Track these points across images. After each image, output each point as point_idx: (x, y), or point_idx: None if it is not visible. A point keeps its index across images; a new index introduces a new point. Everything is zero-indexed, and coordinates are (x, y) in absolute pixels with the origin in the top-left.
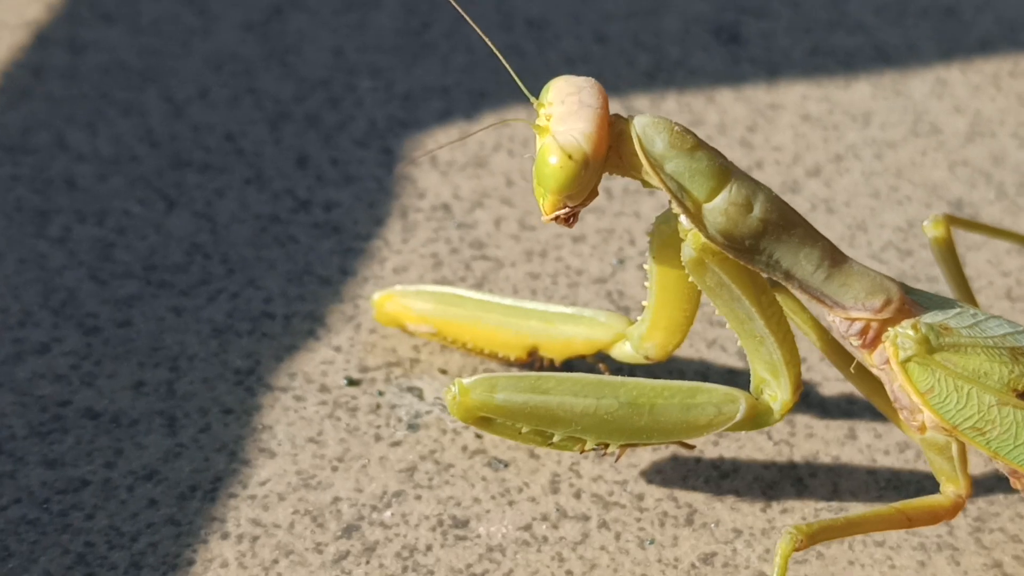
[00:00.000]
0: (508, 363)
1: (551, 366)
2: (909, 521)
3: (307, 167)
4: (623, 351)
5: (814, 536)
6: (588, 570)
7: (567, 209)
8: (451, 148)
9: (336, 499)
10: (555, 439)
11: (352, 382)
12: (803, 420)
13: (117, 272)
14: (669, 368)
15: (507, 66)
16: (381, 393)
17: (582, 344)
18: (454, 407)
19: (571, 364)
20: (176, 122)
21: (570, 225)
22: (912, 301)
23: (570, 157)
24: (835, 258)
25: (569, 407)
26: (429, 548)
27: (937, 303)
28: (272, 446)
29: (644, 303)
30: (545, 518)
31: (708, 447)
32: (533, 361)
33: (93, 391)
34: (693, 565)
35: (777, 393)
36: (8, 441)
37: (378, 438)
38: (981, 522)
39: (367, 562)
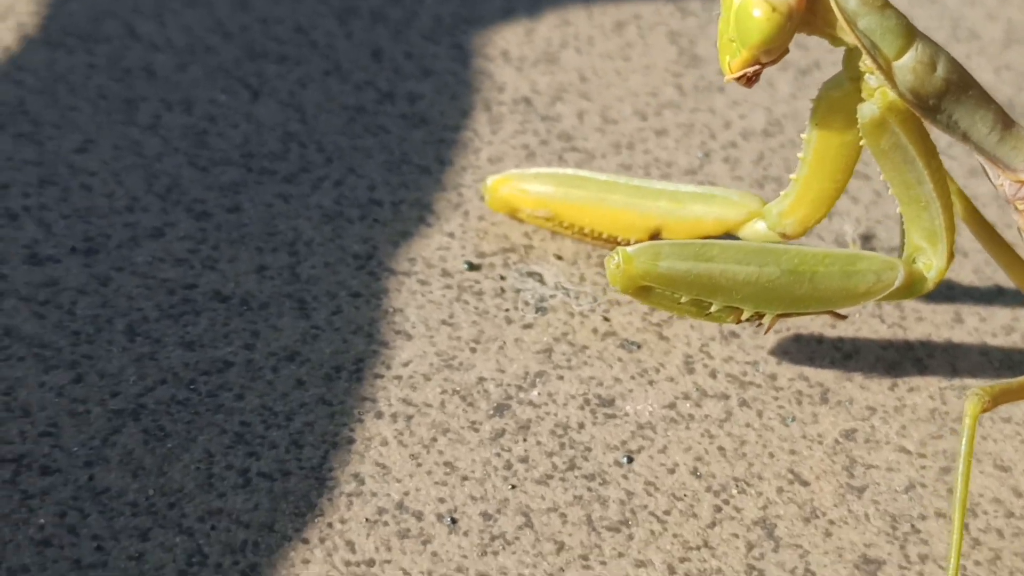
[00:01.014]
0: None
1: None
2: None
3: (382, 60)
4: (754, 230)
5: (996, 398)
6: (739, 446)
7: (757, 67)
8: (519, 44)
9: (481, 379)
10: (712, 309)
11: (473, 266)
12: (910, 305)
13: (216, 159)
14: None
15: None
16: (503, 278)
17: (712, 224)
18: (616, 275)
19: None
20: (243, 14)
21: (751, 85)
22: None
23: (774, 9)
24: (1006, 122)
25: (732, 275)
26: (581, 426)
27: None
28: (407, 328)
29: (792, 176)
30: (687, 397)
31: (826, 329)
32: None
33: (217, 274)
34: (837, 441)
35: (932, 261)
36: (141, 323)
37: (509, 321)
38: None
39: (524, 440)
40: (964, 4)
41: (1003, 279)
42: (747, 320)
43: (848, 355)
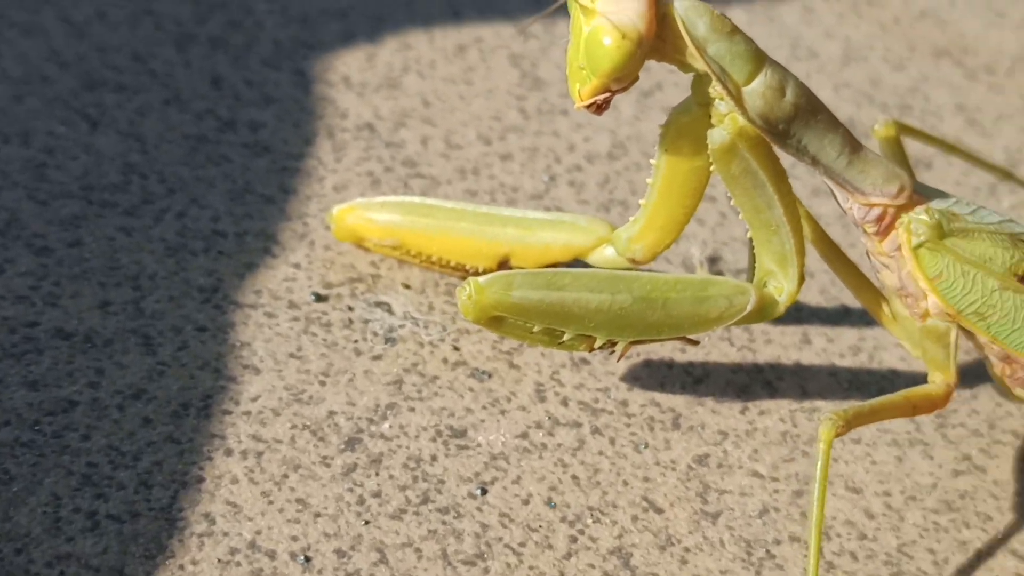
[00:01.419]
0: (475, 275)
1: None
2: (914, 408)
3: (223, 88)
4: (603, 256)
5: (850, 422)
6: (592, 474)
7: (608, 94)
8: (361, 70)
9: (331, 413)
10: (565, 337)
11: (320, 298)
12: (759, 327)
13: (55, 192)
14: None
15: None
16: (351, 308)
17: (560, 250)
18: (468, 306)
19: None
20: (79, 43)
21: (601, 112)
22: (917, 190)
23: (624, 37)
24: (854, 145)
25: (584, 303)
26: (434, 458)
27: (935, 192)
28: (255, 362)
29: (641, 202)
30: (539, 426)
31: (676, 354)
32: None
33: (59, 311)
34: (690, 466)
35: (783, 284)
36: None
37: (358, 352)
38: (943, 419)
39: (376, 474)
40: (802, 23)
41: (849, 299)
42: (599, 348)
43: (699, 379)
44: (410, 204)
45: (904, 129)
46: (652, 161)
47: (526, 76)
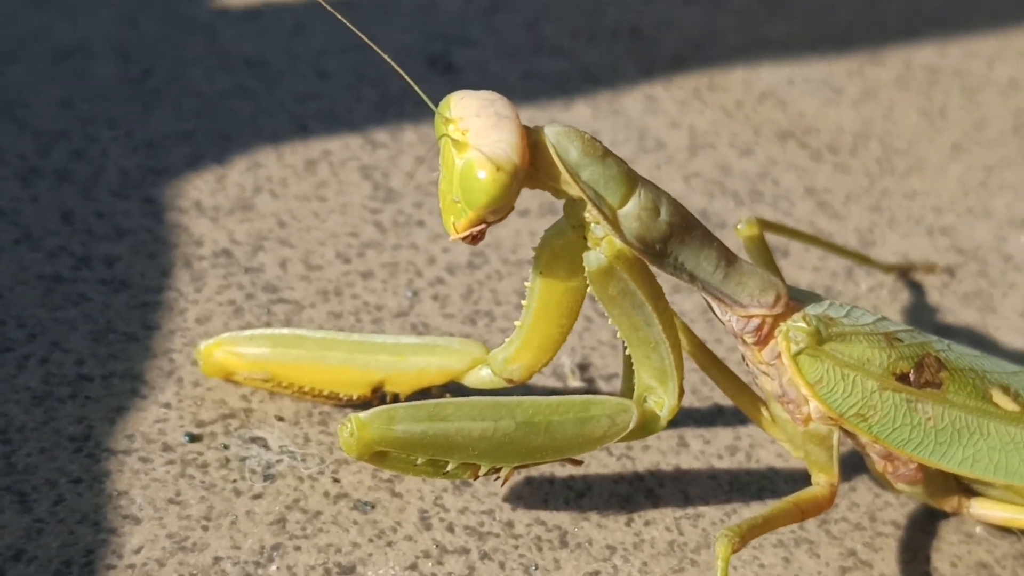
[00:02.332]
0: (349, 403)
1: (396, 401)
2: (803, 513)
3: (74, 223)
4: (478, 378)
5: (744, 536)
6: None
7: (483, 226)
8: (212, 193)
9: (217, 559)
10: (450, 467)
11: (194, 438)
12: None
13: None
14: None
15: (408, 78)
16: (226, 447)
17: (436, 374)
18: (351, 444)
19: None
20: None
21: (476, 243)
22: (792, 296)
23: (499, 169)
24: (729, 258)
25: (468, 432)
26: None
27: (808, 296)
28: (134, 512)
29: (516, 323)
30: (427, 555)
31: (556, 468)
32: (377, 398)
33: None
34: None
35: (664, 399)
36: None
37: (238, 492)
38: (825, 514)
39: None
40: (646, 112)
41: (720, 398)
42: (484, 475)
43: (581, 493)
44: (279, 336)
45: (766, 225)
46: (527, 283)
47: (378, 188)
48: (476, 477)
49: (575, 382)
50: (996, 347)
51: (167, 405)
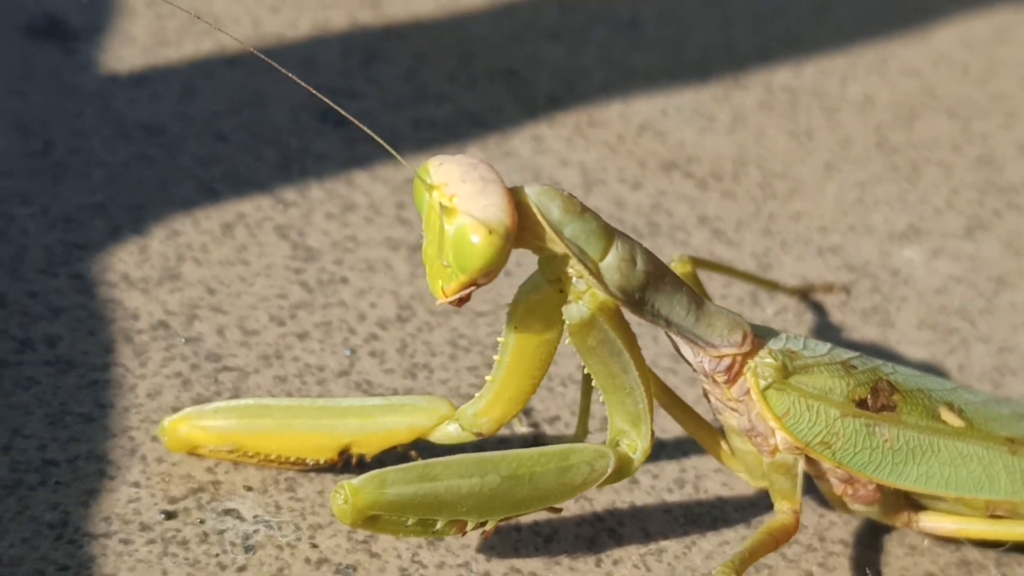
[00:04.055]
0: (316, 467)
1: (361, 463)
2: (776, 541)
3: (8, 304)
4: (446, 433)
5: (738, 570)
6: None
7: (473, 288)
8: (137, 264)
9: None
10: (439, 526)
11: (169, 515)
12: None
13: None
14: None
15: (384, 144)
16: (202, 521)
17: (404, 433)
18: (345, 512)
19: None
20: None
21: (462, 305)
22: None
23: (491, 232)
24: (697, 301)
25: (456, 490)
26: None
27: (766, 331)
28: None
29: (487, 377)
30: None
31: (521, 516)
32: (344, 461)
33: None
34: None
35: (637, 442)
36: None
37: (223, 566)
38: None
39: None
40: (536, 153)
41: (660, 433)
42: (471, 530)
43: (548, 538)
44: (244, 407)
45: (697, 263)
46: (499, 339)
47: (297, 247)
48: (464, 533)
49: (521, 428)
50: (900, 361)
51: (136, 484)
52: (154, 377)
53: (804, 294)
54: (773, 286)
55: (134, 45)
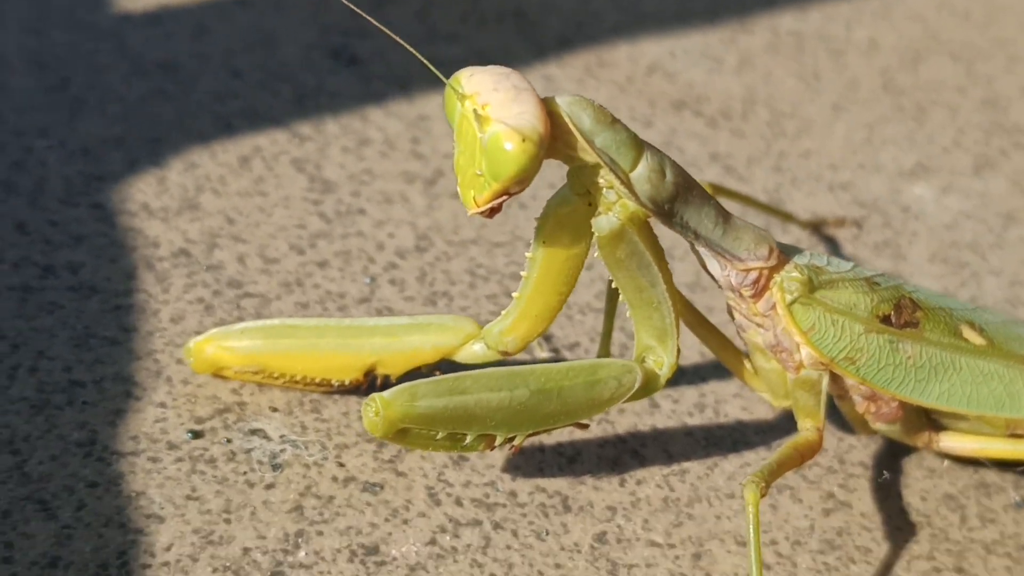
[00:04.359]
0: (340, 388)
1: (386, 383)
2: (802, 457)
3: (30, 232)
4: (471, 352)
5: (767, 481)
6: (508, 570)
7: (505, 197)
8: (157, 195)
9: (246, 550)
10: (468, 440)
11: (196, 434)
12: None
13: None
14: None
15: (424, 61)
16: (229, 440)
17: (429, 352)
18: (376, 424)
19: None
20: None
21: (493, 216)
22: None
23: (525, 140)
24: (725, 214)
25: (486, 403)
26: None
27: (791, 249)
28: (156, 511)
29: (515, 294)
30: (443, 530)
31: (543, 436)
32: (369, 382)
33: None
34: (592, 547)
35: (663, 358)
36: None
37: (251, 484)
38: None
39: None
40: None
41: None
42: (500, 445)
43: (572, 459)
44: (270, 327)
45: (718, 191)
46: (527, 254)
47: (314, 180)
48: (492, 448)
49: (543, 352)
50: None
51: (162, 405)
52: (176, 303)
53: (817, 227)
54: (788, 217)
55: None
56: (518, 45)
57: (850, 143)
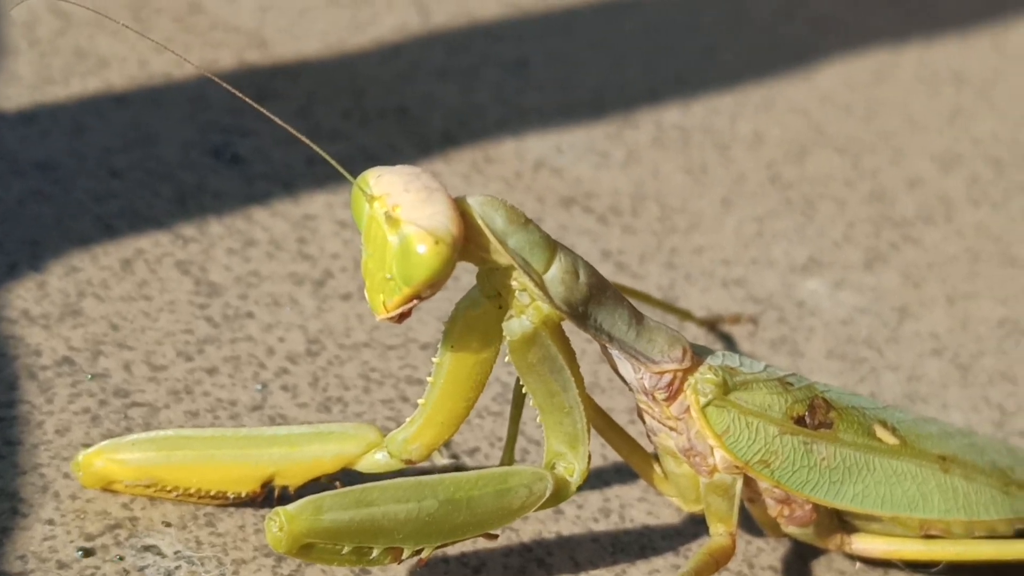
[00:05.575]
0: (237, 501)
1: (284, 495)
2: (717, 564)
3: None
4: (374, 461)
5: None
6: None
7: (415, 303)
8: (37, 300)
9: None
10: (374, 554)
11: (87, 552)
12: None
13: None
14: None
15: (332, 161)
16: (121, 558)
17: (330, 462)
18: (280, 540)
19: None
20: None
21: (403, 321)
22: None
23: (438, 242)
24: (638, 316)
25: (393, 515)
26: None
27: (703, 349)
28: None
29: (420, 400)
30: None
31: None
32: (266, 494)
33: None
34: None
35: (574, 465)
36: None
37: None
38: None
39: None
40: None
41: None
42: (407, 558)
43: (477, 569)
44: (162, 439)
45: (619, 289)
46: (434, 359)
47: (200, 283)
48: (399, 561)
49: (442, 460)
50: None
51: (51, 522)
52: (61, 414)
53: (713, 325)
54: (685, 315)
55: (20, 84)
56: (402, 142)
57: (741, 237)
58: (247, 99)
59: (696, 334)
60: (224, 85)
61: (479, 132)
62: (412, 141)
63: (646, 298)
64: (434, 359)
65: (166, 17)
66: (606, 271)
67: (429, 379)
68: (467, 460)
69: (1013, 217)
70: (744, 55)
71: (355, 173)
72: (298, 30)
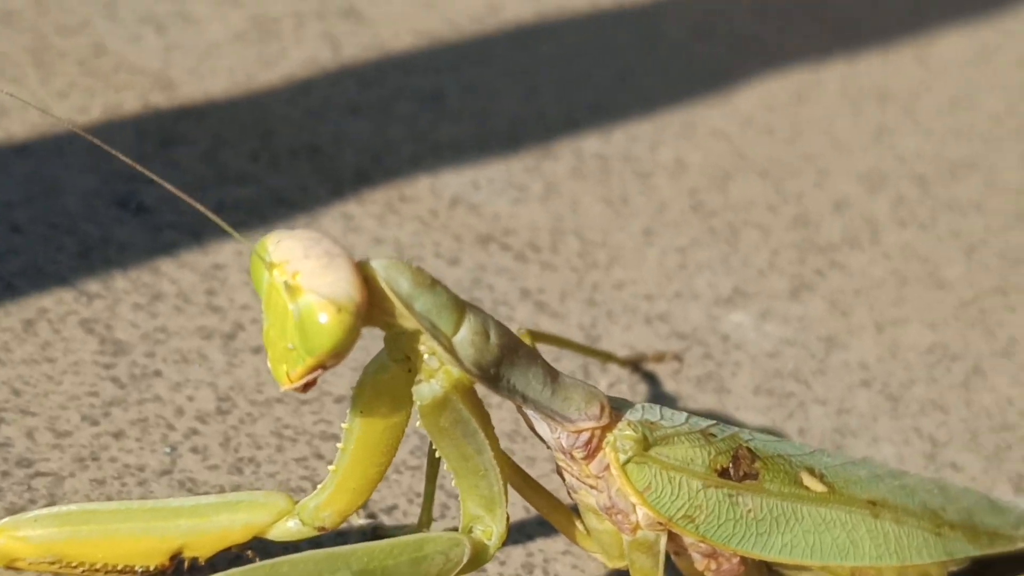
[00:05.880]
0: (146, 575)
1: (194, 567)
2: None
3: None
4: (285, 530)
5: None
6: None
7: (320, 372)
8: None
9: None
10: None
11: None
12: None
13: None
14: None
15: (228, 228)
16: None
17: (240, 531)
18: None
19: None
20: None
21: (308, 390)
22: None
23: (340, 310)
24: (553, 374)
25: None
26: None
27: (623, 403)
28: None
29: (331, 467)
30: None
31: None
32: (175, 566)
33: None
34: None
35: (492, 527)
36: None
37: None
38: None
39: None
40: (348, 232)
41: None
42: None
43: None
44: (67, 514)
45: (537, 336)
46: (344, 425)
47: (105, 342)
48: None
49: (359, 520)
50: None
51: None
52: None
53: (637, 364)
54: (608, 357)
55: None
56: (314, 182)
57: (664, 270)
58: (128, 159)
59: (620, 375)
60: (99, 142)
61: (393, 169)
62: (324, 181)
63: (567, 343)
64: (343, 424)
65: (70, 60)
66: (525, 311)
67: (339, 445)
68: (385, 519)
69: (940, 237)
70: (661, 78)
71: (264, 219)
72: (204, 69)
